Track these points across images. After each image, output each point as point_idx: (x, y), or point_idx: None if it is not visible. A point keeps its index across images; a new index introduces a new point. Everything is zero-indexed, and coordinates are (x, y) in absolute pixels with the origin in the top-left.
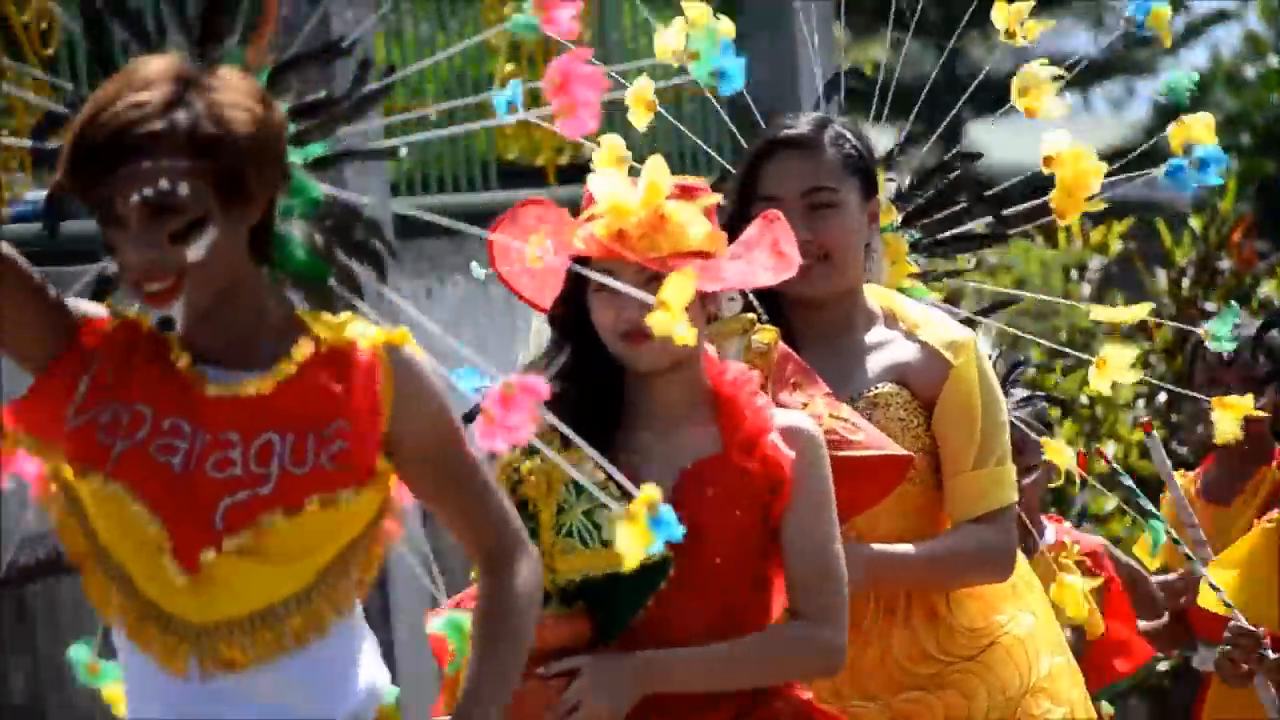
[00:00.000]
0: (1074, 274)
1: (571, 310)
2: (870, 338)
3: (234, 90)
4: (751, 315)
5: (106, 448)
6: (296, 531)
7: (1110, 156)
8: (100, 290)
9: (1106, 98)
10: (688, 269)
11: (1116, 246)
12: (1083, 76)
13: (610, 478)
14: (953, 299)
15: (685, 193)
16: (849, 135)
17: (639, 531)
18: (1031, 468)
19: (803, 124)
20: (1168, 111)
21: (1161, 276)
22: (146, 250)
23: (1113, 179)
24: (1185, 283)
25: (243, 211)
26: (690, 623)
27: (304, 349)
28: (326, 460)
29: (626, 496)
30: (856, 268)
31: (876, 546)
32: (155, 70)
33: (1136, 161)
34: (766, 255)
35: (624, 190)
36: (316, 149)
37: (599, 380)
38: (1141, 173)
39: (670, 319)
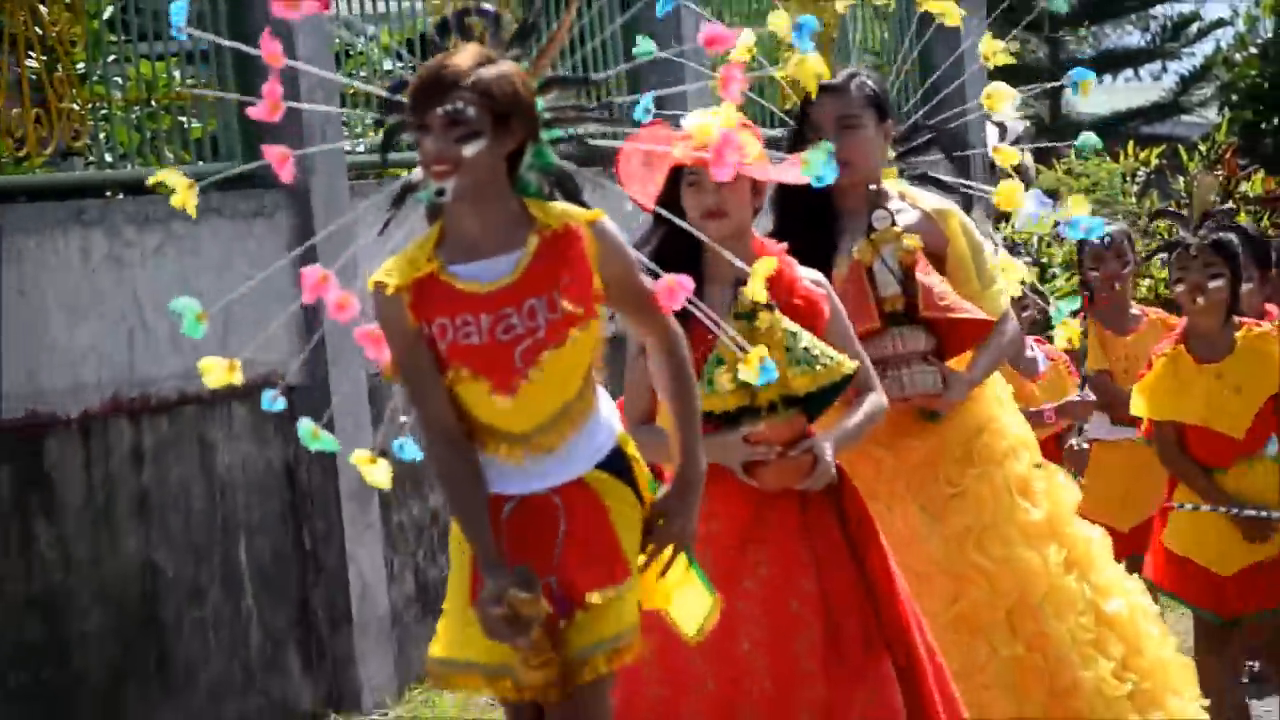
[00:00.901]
0: (1128, 179)
1: (668, 202)
2: (890, 209)
3: (511, 72)
4: (899, 229)
5: (448, 344)
6: (565, 357)
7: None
8: (403, 193)
9: (1150, 73)
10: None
11: (1154, 162)
12: (1131, 58)
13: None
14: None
15: (745, 126)
16: (869, 81)
17: (752, 368)
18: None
19: (839, 76)
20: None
21: (1180, 181)
22: (440, 143)
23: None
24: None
25: (503, 140)
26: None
27: (533, 242)
28: (570, 305)
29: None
30: (872, 166)
31: (976, 370)
32: (469, 51)
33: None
34: (794, 169)
35: (706, 121)
36: (556, 133)
37: (686, 250)
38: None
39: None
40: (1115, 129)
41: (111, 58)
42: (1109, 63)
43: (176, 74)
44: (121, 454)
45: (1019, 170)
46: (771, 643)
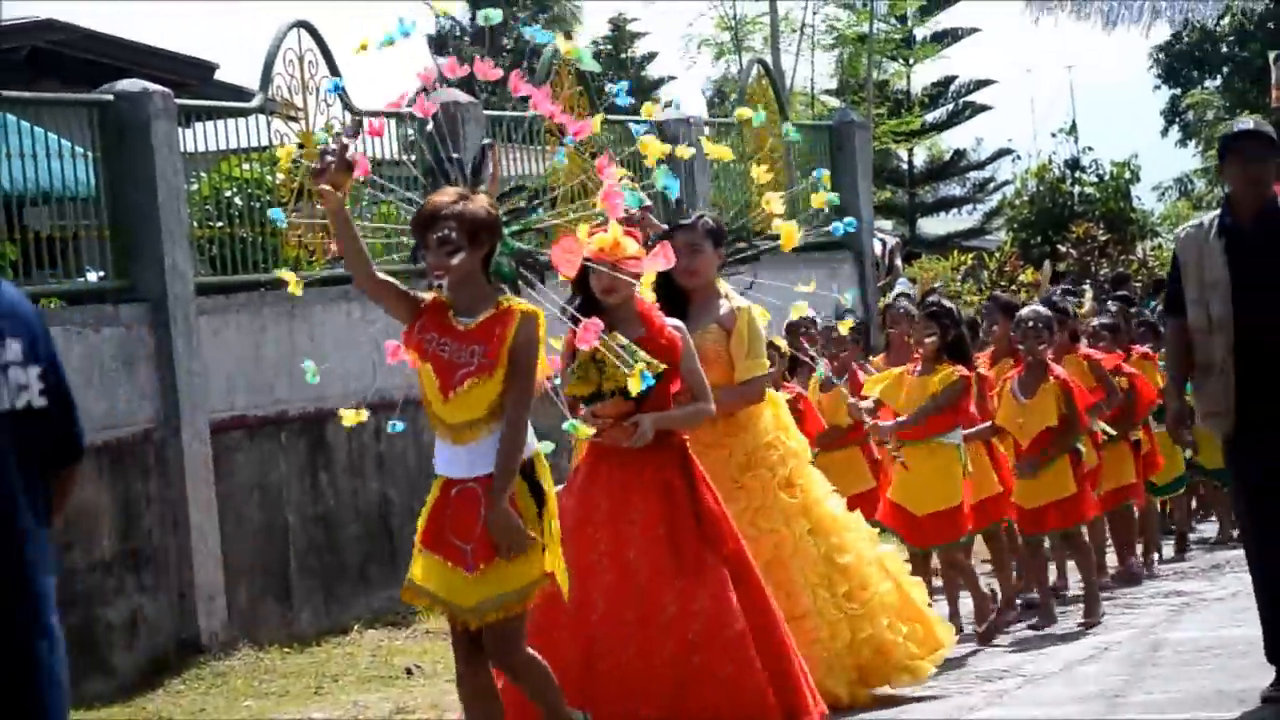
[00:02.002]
0: (955, 271)
1: (582, 280)
2: (717, 304)
3: (480, 202)
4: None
5: (425, 348)
6: (477, 388)
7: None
8: (429, 284)
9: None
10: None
11: (969, 262)
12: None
13: (630, 350)
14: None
15: (628, 233)
16: (710, 219)
17: (635, 382)
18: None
19: (690, 216)
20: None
21: (984, 274)
22: (435, 257)
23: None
24: None
25: (478, 250)
26: (659, 406)
27: (488, 310)
28: (485, 360)
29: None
30: (709, 276)
31: (723, 394)
32: (449, 192)
33: None
34: (662, 260)
35: (602, 234)
36: (514, 228)
37: (597, 308)
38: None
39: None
40: (947, 243)
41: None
42: (943, 205)
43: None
44: (369, 432)
45: (891, 267)
46: (626, 566)
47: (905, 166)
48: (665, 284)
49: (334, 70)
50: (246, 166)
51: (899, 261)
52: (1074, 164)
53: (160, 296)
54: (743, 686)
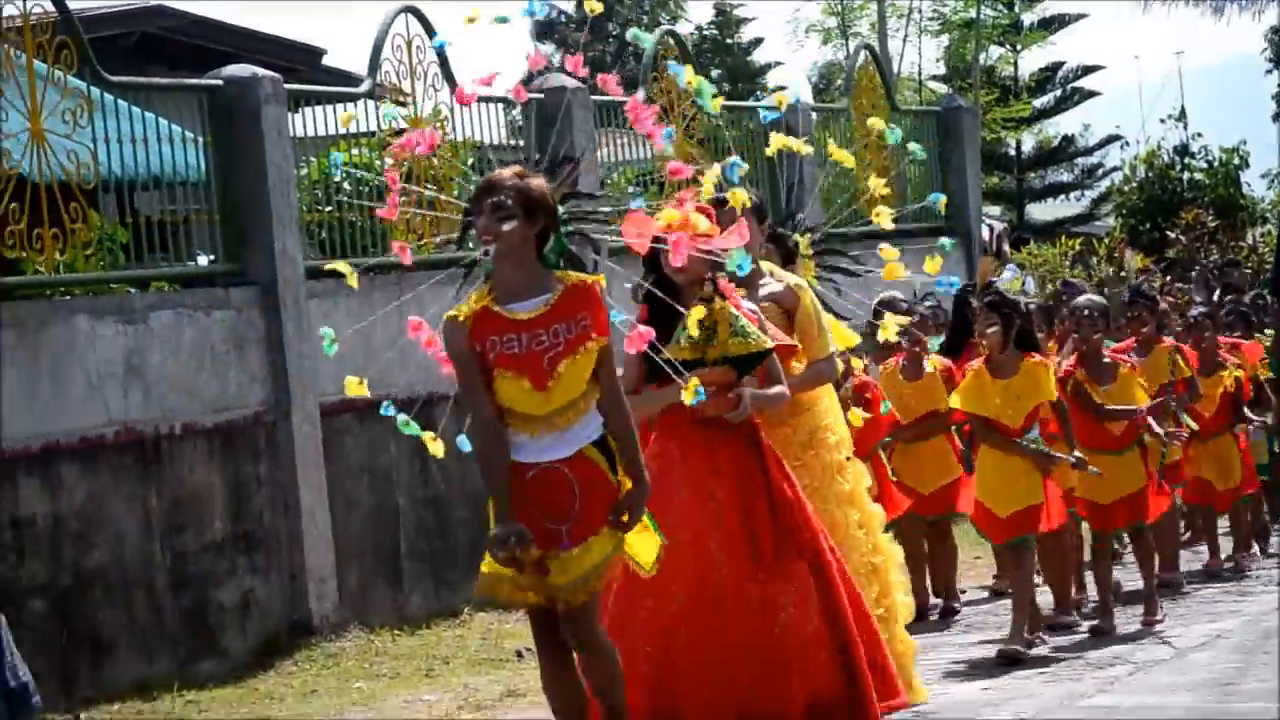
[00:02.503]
0: (1064, 257)
1: (653, 258)
2: (762, 282)
3: (538, 182)
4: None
5: (489, 357)
6: (577, 364)
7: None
8: (470, 266)
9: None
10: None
11: (1077, 248)
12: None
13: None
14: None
15: (701, 210)
16: (753, 197)
17: (689, 395)
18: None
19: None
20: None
21: (1093, 259)
22: (488, 222)
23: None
24: None
25: (530, 224)
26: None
27: (559, 289)
28: (580, 330)
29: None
30: (754, 254)
31: (792, 381)
32: (509, 170)
33: None
34: (736, 238)
35: (672, 210)
36: (571, 228)
37: (668, 285)
38: None
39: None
40: (1055, 228)
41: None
42: (1051, 190)
43: None
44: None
45: (999, 252)
46: (705, 552)
47: (1013, 152)
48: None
49: (441, 56)
50: (355, 151)
51: (1006, 247)
52: (1183, 150)
53: (270, 280)
54: (828, 679)
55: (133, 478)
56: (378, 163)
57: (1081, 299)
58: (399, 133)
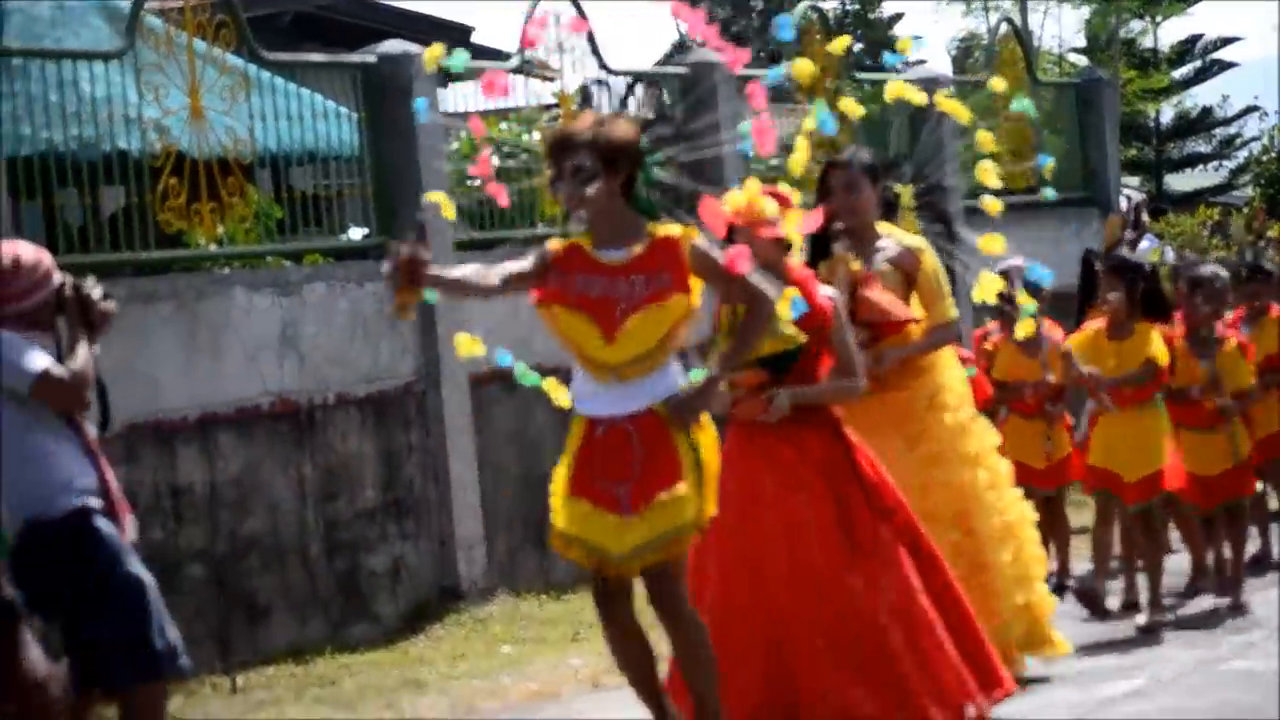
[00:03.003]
0: (1203, 226)
1: (729, 241)
2: (879, 245)
3: (617, 126)
4: (849, 255)
5: (567, 293)
6: (650, 319)
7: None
8: (567, 214)
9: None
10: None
11: (1215, 217)
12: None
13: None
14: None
15: (771, 195)
16: (865, 156)
17: (784, 306)
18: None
19: (844, 153)
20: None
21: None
22: (570, 187)
23: None
24: None
25: (614, 177)
26: (795, 378)
27: (645, 241)
28: (660, 286)
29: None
30: (869, 214)
31: (893, 349)
32: (585, 119)
33: None
34: (810, 223)
35: (737, 193)
36: (657, 156)
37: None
38: None
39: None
40: (1194, 199)
41: None
42: (1190, 161)
43: None
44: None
45: (1137, 223)
46: (795, 541)
47: (1152, 124)
48: (818, 238)
49: (589, 32)
50: (504, 126)
51: (1145, 217)
52: None
53: None
54: (938, 664)
55: (287, 447)
56: (524, 137)
57: (1205, 269)
58: (547, 108)
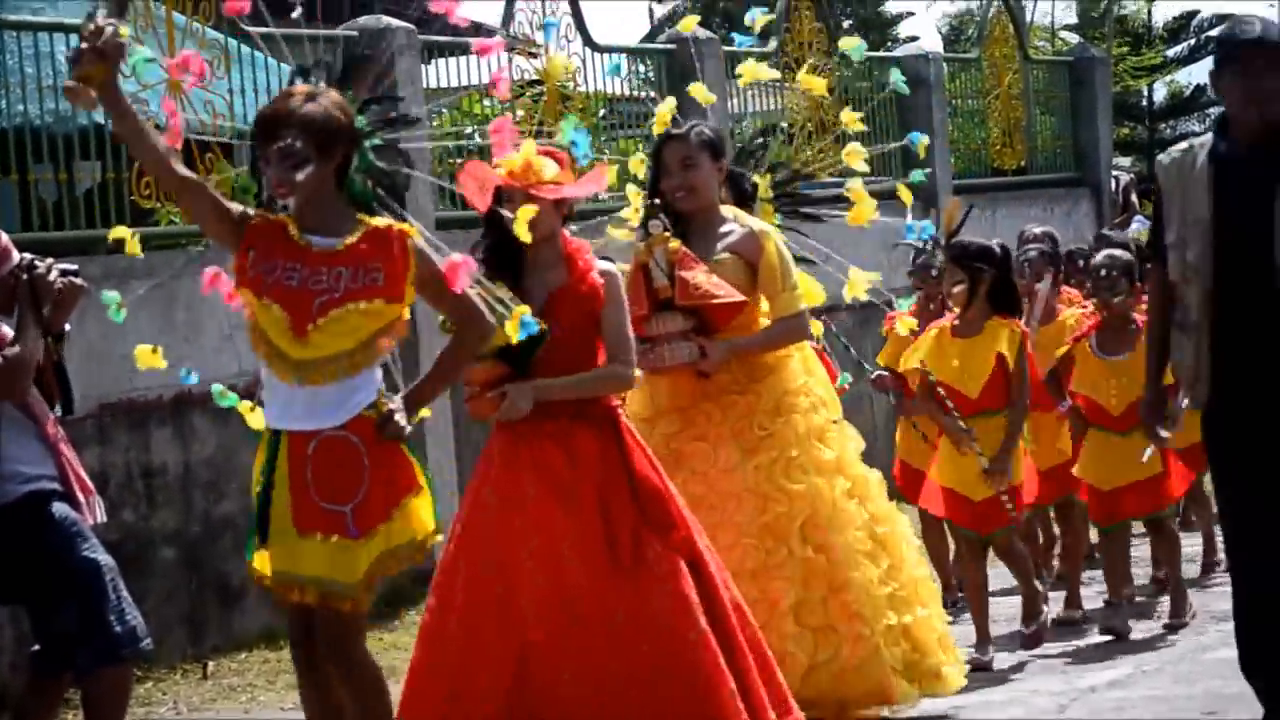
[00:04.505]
0: None
1: (494, 216)
2: (722, 229)
3: (330, 101)
4: (667, 233)
5: (264, 282)
6: (352, 315)
7: None
8: (270, 201)
9: None
10: (530, 208)
11: None
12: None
13: (510, 299)
14: None
15: (547, 153)
16: (706, 130)
17: (513, 327)
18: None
19: (683, 126)
20: None
21: None
22: (279, 171)
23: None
24: None
25: (328, 160)
26: (556, 370)
27: (358, 230)
28: (367, 283)
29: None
30: (709, 195)
31: (739, 340)
32: (299, 90)
33: None
34: (591, 185)
35: (512, 155)
36: (375, 140)
37: (510, 248)
38: None
39: (522, 218)
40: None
41: None
42: (1183, 141)
43: None
44: None
45: (1126, 204)
46: (551, 553)
47: (1145, 103)
48: (662, 208)
49: (575, 6)
50: (486, 103)
51: (1134, 198)
52: None
53: None
54: (711, 699)
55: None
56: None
57: (1100, 256)
58: (531, 83)
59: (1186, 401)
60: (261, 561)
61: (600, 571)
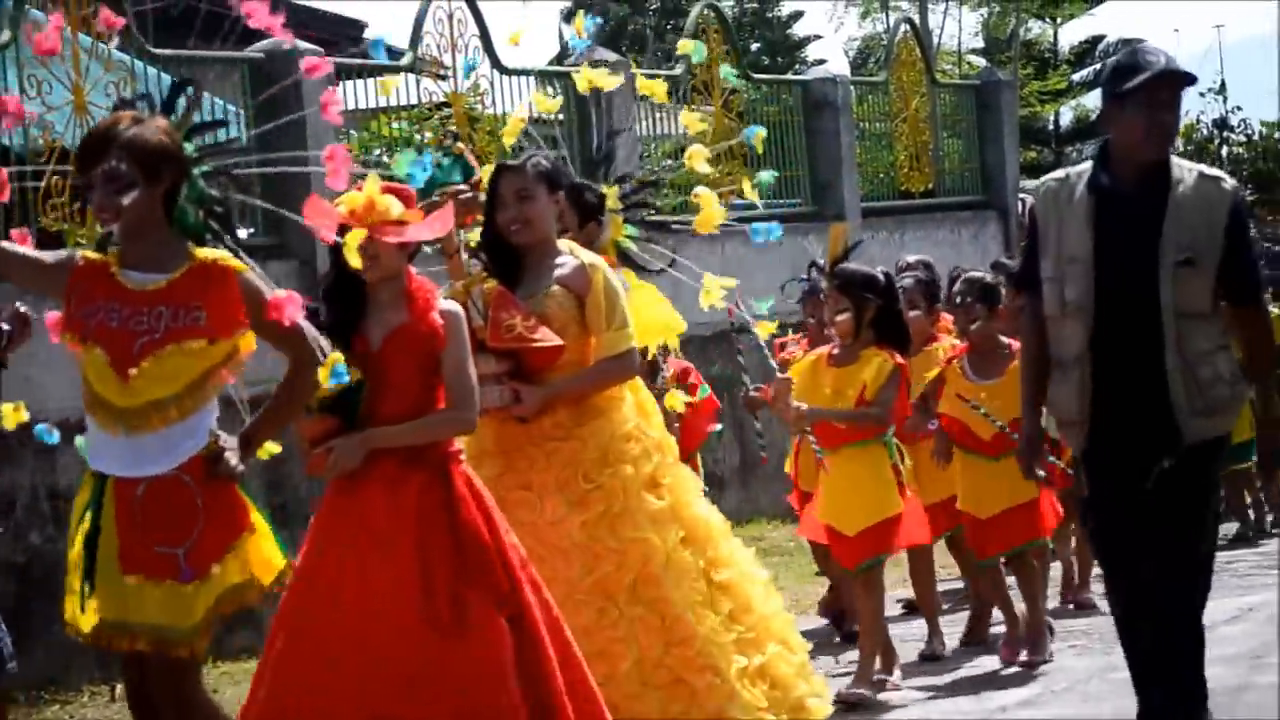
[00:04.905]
0: None
1: (338, 244)
2: (556, 262)
3: (157, 128)
4: (484, 274)
5: (84, 325)
6: (171, 357)
7: None
8: (104, 240)
9: None
10: (359, 231)
11: None
12: None
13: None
14: None
15: (393, 191)
16: (543, 160)
17: (324, 374)
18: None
19: (520, 157)
20: None
21: None
22: (102, 196)
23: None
24: None
25: (155, 186)
26: (394, 414)
27: (183, 267)
28: (188, 323)
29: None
30: (545, 228)
31: (558, 382)
32: (124, 115)
33: None
34: (437, 225)
35: (354, 193)
36: (205, 168)
37: (353, 285)
38: None
39: (351, 242)
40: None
41: None
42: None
43: None
44: None
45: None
46: (363, 606)
47: (1051, 126)
48: (493, 250)
49: (483, 29)
50: (396, 125)
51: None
52: (1222, 124)
53: (310, 254)
54: None
55: None
56: (417, 136)
57: (960, 281)
58: (439, 106)
59: (1062, 439)
60: (74, 611)
61: (408, 627)
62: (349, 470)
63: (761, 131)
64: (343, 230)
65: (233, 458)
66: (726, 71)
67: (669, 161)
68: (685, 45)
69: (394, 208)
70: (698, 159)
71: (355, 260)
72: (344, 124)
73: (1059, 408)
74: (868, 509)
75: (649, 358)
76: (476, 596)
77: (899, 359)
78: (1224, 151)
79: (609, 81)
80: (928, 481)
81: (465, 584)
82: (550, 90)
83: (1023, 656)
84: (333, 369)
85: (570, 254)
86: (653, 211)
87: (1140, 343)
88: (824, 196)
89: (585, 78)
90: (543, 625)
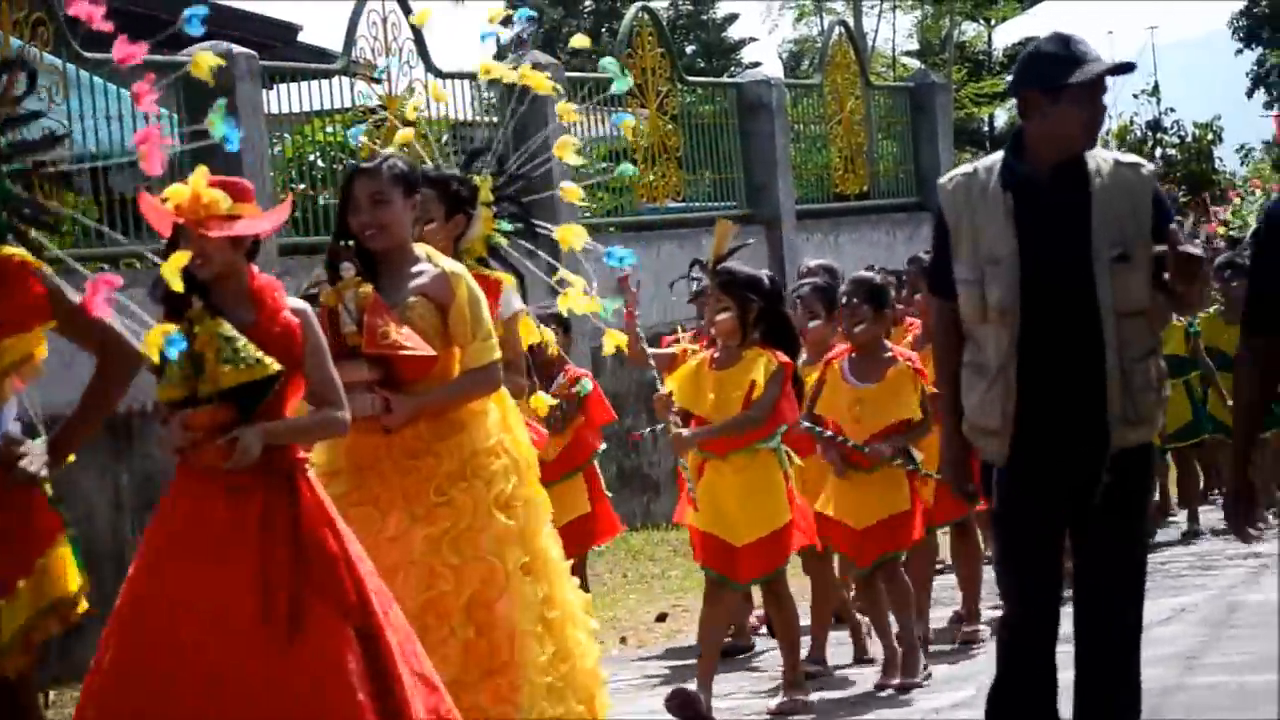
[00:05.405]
0: None
1: (171, 243)
2: (414, 270)
3: None
4: (359, 278)
5: None
6: None
7: None
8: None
9: None
10: (181, 255)
11: None
12: None
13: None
14: None
15: (224, 185)
16: (399, 163)
17: (154, 347)
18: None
19: (374, 159)
20: None
21: None
22: None
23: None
24: None
25: None
26: (272, 415)
27: None
28: None
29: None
30: (401, 234)
31: (425, 394)
32: None
33: None
34: (274, 217)
35: (179, 186)
36: (18, 166)
37: (194, 282)
38: None
39: (173, 265)
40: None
41: None
42: None
43: None
44: None
45: None
46: (203, 620)
47: (986, 128)
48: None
49: (417, 33)
50: (329, 129)
51: None
52: (1155, 125)
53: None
54: None
55: (104, 455)
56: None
57: (848, 282)
58: (373, 110)
59: (980, 449)
60: None
61: (246, 637)
62: (250, 462)
63: (630, 120)
64: (175, 231)
65: (31, 463)
66: (605, 63)
67: (604, 164)
68: (579, 41)
69: (222, 201)
70: (566, 149)
71: (176, 283)
72: (274, 128)
73: (978, 416)
74: (755, 521)
75: (551, 354)
76: (321, 606)
77: (783, 358)
78: (1157, 153)
79: (509, 75)
80: (811, 492)
81: (309, 593)
82: (484, 94)
83: (895, 681)
84: (167, 338)
85: (428, 260)
86: (524, 209)
87: (1074, 345)
88: (759, 199)
89: (485, 68)
90: (395, 643)
